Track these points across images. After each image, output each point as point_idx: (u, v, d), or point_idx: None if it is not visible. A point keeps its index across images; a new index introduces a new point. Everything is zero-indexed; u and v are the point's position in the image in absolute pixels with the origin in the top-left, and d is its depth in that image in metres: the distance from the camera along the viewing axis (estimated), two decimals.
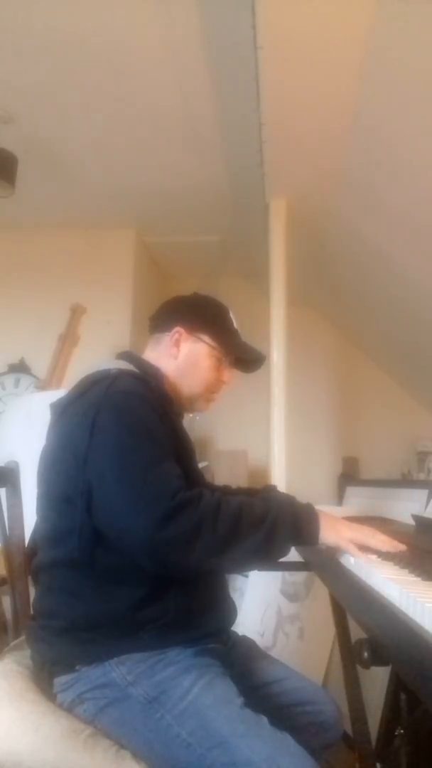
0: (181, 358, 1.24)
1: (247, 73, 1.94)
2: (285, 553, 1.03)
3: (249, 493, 1.39)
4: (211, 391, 1.27)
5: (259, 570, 1.23)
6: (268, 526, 0.99)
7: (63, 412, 1.10)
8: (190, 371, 1.24)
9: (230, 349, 1.26)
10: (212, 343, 1.24)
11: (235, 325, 1.30)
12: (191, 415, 1.33)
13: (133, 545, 0.94)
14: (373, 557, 1.02)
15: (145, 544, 0.93)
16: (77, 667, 1.00)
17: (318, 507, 1.09)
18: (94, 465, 0.99)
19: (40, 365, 3.36)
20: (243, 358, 1.29)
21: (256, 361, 1.32)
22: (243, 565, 1.04)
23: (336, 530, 1.05)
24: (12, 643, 1.20)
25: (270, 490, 1.42)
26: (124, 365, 1.17)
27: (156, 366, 1.23)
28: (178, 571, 0.98)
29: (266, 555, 1.00)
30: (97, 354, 3.15)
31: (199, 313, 1.27)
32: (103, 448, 0.99)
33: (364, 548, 1.04)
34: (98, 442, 0.99)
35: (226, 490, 1.38)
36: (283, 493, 1.36)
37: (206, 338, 1.24)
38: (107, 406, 1.02)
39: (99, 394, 1.04)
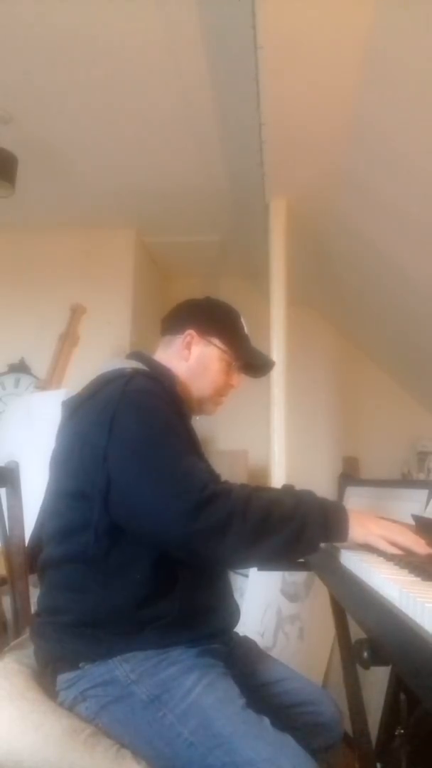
0: (192, 360, 1.25)
1: (247, 73, 1.94)
2: (314, 549, 1.03)
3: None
4: (220, 394, 1.28)
5: (274, 569, 1.23)
6: (299, 522, 0.99)
7: (76, 410, 1.10)
8: (200, 374, 1.25)
9: (240, 353, 1.28)
10: (223, 347, 1.26)
11: (246, 330, 1.31)
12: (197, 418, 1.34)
13: (166, 537, 0.96)
14: (401, 553, 1.01)
15: (177, 535, 0.94)
16: (81, 665, 1.01)
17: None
18: (115, 462, 0.99)
19: (40, 365, 3.36)
20: (252, 363, 1.31)
21: (265, 367, 1.34)
22: (272, 558, 1.04)
23: (365, 527, 1.04)
24: (12, 643, 1.20)
25: (287, 489, 1.42)
26: (136, 365, 1.18)
27: (167, 367, 1.23)
28: (209, 561, 1.00)
29: (295, 550, 1.01)
30: (97, 354, 3.16)
31: (212, 317, 1.28)
32: (126, 445, 1.00)
33: (393, 544, 1.03)
34: (119, 440, 1.00)
35: None
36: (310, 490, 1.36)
37: (217, 342, 1.25)
38: (126, 404, 1.02)
39: (115, 392, 1.05)
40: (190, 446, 1.06)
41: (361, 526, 1.04)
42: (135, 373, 1.11)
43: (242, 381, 1.32)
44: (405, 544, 1.02)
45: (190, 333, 1.25)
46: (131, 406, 1.03)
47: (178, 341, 1.26)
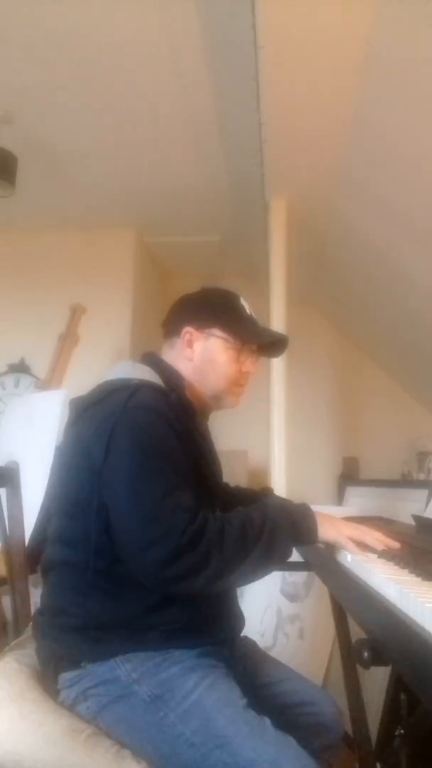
0: (197, 358, 1.20)
1: (247, 73, 1.94)
2: (288, 556, 1.05)
3: (246, 493, 1.39)
4: (236, 384, 1.23)
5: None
6: (268, 536, 1.01)
7: (82, 414, 1.09)
8: (208, 369, 1.20)
9: (246, 337, 1.21)
10: (224, 336, 1.20)
11: (248, 311, 1.25)
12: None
13: (144, 579, 0.97)
14: (371, 555, 1.03)
15: (154, 579, 0.96)
16: (83, 664, 1.01)
17: (315, 507, 1.11)
18: (108, 486, 1.00)
19: (40, 365, 3.35)
20: (262, 343, 1.24)
21: (278, 343, 1.27)
22: (250, 577, 1.04)
23: (334, 527, 1.07)
24: (12, 643, 1.20)
25: (267, 494, 1.42)
26: (147, 372, 1.15)
27: (179, 372, 1.20)
28: (187, 594, 1.01)
29: (270, 563, 1.03)
30: (97, 354, 3.16)
31: (206, 308, 1.23)
32: (118, 471, 0.99)
33: (362, 546, 1.06)
34: (113, 462, 0.99)
35: (224, 489, 1.38)
36: (277, 497, 1.36)
37: (218, 332, 1.20)
38: (124, 421, 1.01)
39: (118, 405, 1.03)
40: (182, 472, 1.03)
41: (330, 526, 1.07)
42: (141, 386, 1.08)
43: (259, 364, 1.26)
44: (372, 545, 1.05)
45: (188, 330, 1.21)
46: (129, 425, 1.01)
47: (179, 342, 1.22)
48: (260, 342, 1.24)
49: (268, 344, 1.26)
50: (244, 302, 1.25)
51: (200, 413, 1.20)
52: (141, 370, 1.16)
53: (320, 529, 1.06)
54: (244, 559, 0.98)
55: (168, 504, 0.97)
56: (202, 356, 1.20)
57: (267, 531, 1.01)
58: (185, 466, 1.05)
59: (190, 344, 1.21)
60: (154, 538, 0.94)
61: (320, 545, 1.11)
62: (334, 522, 1.08)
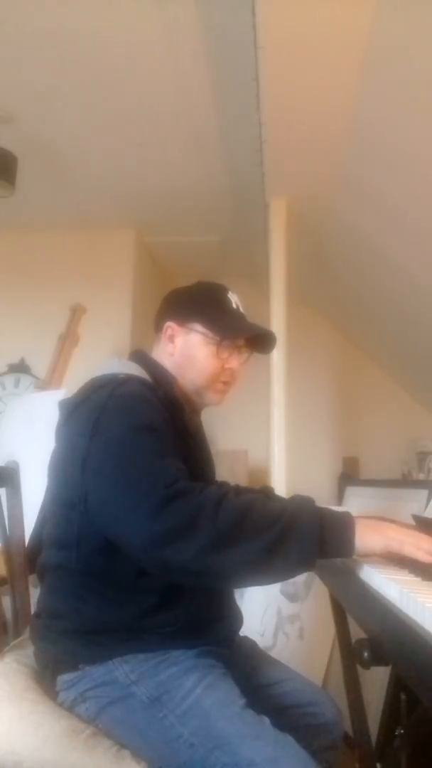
0: (178, 353, 1.18)
1: (247, 73, 1.94)
2: (306, 561, 0.89)
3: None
4: (217, 380, 1.18)
5: (266, 584, 1.05)
6: (283, 526, 0.87)
7: (70, 415, 1.07)
8: (188, 365, 1.17)
9: (227, 332, 1.15)
10: (204, 330, 1.16)
11: (234, 305, 1.20)
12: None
13: (129, 541, 0.91)
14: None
15: (139, 538, 0.88)
16: (81, 666, 1.00)
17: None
18: (91, 464, 0.96)
19: (40, 365, 3.36)
20: (243, 338, 1.19)
21: (266, 339, 1.22)
22: (247, 569, 0.89)
23: (382, 533, 0.91)
24: (12, 643, 1.20)
25: (268, 492, 1.41)
26: (134, 368, 1.13)
27: (165, 368, 1.18)
28: (177, 570, 0.89)
29: (276, 560, 0.88)
30: (97, 354, 3.16)
31: (189, 303, 1.20)
32: (102, 446, 0.96)
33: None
34: (97, 441, 0.97)
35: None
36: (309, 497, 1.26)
37: (198, 327, 1.16)
38: (109, 408, 0.99)
39: (102, 399, 1.01)
40: (169, 448, 0.98)
41: (376, 533, 0.91)
42: (127, 379, 1.06)
43: (244, 361, 1.20)
44: (425, 556, 0.89)
45: (170, 325, 1.19)
46: (114, 410, 0.99)
47: (163, 337, 1.20)
48: (240, 336, 1.18)
49: (256, 340, 1.22)
50: (231, 296, 1.21)
51: (189, 410, 1.18)
52: (127, 366, 1.15)
53: (361, 536, 0.90)
54: (241, 540, 0.86)
55: (155, 465, 0.92)
56: (182, 351, 1.18)
57: (284, 521, 0.88)
58: (173, 446, 1.01)
59: (171, 339, 1.19)
60: (140, 494, 0.88)
61: (360, 555, 0.93)
62: (377, 526, 0.93)
